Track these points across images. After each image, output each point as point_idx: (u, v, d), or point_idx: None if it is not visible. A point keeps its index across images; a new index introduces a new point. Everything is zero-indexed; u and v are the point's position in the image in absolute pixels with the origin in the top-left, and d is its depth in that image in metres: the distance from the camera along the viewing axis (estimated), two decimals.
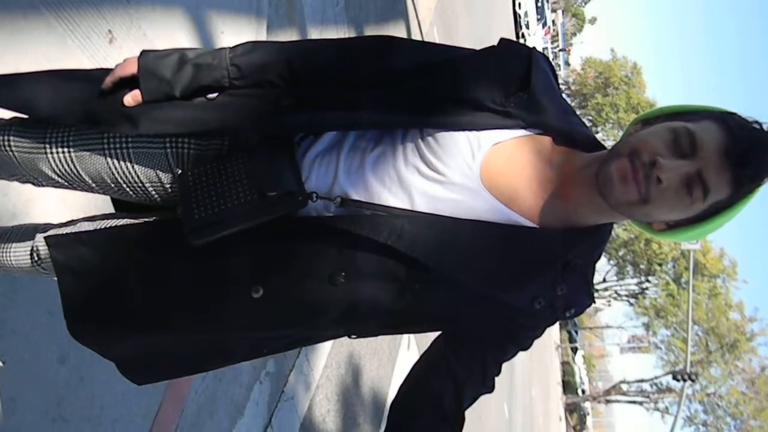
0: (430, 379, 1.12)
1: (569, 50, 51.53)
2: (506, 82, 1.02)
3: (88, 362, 2.19)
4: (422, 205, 1.02)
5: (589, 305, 1.12)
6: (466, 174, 1.02)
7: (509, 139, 1.03)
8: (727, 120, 0.95)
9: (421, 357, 1.17)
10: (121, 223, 1.19)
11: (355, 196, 1.04)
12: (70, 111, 1.09)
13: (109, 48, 2.41)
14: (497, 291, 1.04)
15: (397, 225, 1.00)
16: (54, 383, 2.11)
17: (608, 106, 33.74)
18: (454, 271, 1.02)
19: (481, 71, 1.04)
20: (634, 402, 37.10)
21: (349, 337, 1.22)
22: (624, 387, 37.43)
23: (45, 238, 1.17)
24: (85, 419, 2.23)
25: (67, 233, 1.18)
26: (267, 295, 1.06)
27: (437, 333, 1.18)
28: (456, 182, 1.02)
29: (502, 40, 1.09)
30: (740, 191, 0.95)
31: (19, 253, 1.30)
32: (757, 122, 0.95)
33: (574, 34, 54.29)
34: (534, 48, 1.07)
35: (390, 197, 1.03)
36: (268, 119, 1.06)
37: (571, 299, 1.08)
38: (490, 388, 1.15)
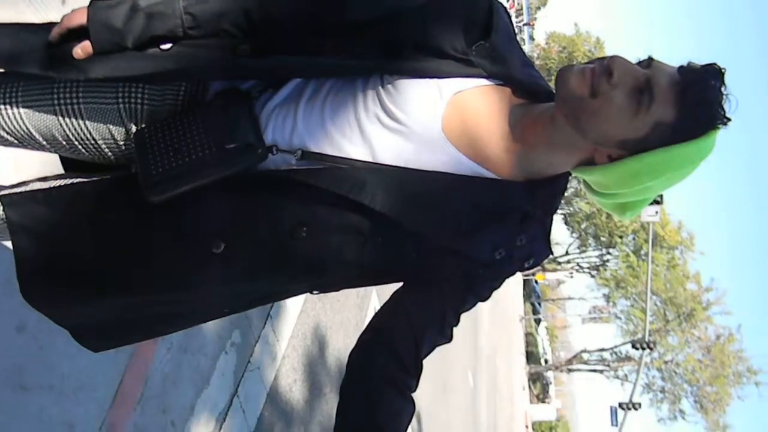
0: (390, 328, 1.13)
1: (533, 24, 51.60)
2: (467, 30, 1.01)
3: (47, 331, 2.15)
4: (384, 157, 1.02)
5: (547, 256, 1.13)
6: (427, 124, 1.02)
7: (470, 89, 1.03)
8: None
9: (382, 307, 1.17)
10: (76, 182, 1.16)
11: (315, 148, 1.03)
12: (18, 60, 1.05)
13: (61, 8, 2.33)
14: (458, 242, 1.05)
15: (359, 177, 1.00)
16: (12, 352, 2.08)
17: None
18: (415, 223, 1.03)
19: (442, 18, 1.03)
20: (594, 371, 38.09)
21: (311, 292, 1.22)
22: (585, 356, 38.34)
23: None
24: (45, 388, 2.20)
25: (21, 191, 1.15)
26: (228, 251, 1.05)
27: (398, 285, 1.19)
28: (417, 131, 1.02)
29: None
30: (683, 124, 0.93)
31: None
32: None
33: (539, 8, 54.35)
34: None
35: (351, 148, 1.03)
36: (224, 64, 1.04)
37: (530, 250, 1.10)
38: (448, 338, 1.16)
